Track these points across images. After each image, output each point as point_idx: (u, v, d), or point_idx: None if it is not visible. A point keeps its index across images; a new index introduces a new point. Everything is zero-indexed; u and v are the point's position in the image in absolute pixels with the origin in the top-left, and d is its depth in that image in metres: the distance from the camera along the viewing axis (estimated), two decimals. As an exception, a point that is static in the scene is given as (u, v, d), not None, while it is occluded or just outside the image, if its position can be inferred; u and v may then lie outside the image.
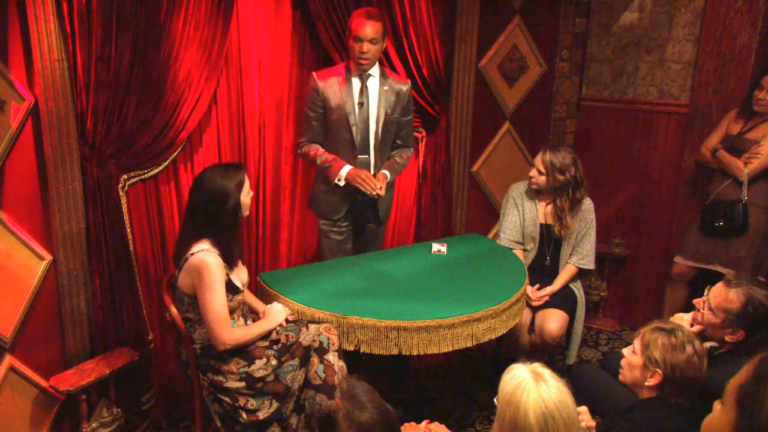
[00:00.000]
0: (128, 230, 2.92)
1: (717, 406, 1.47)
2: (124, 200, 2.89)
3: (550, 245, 3.43)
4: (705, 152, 3.62)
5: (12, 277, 2.64)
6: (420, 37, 3.48)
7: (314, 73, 3.11)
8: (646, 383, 2.01)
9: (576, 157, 3.33)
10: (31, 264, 2.71)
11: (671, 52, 3.92)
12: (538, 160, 3.35)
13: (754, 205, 3.42)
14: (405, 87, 3.21)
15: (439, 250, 3.25)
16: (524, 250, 3.47)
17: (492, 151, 4.13)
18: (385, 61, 3.44)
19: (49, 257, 2.76)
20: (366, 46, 2.98)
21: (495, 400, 1.65)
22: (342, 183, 3.07)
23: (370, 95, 3.11)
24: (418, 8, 3.43)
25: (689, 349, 1.95)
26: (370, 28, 2.96)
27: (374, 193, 3.02)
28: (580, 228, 3.39)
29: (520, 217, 3.45)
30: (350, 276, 2.95)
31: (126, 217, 2.90)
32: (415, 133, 3.72)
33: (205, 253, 2.41)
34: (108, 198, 2.79)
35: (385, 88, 3.14)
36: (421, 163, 3.78)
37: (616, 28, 4.06)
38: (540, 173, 3.32)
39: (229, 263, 2.49)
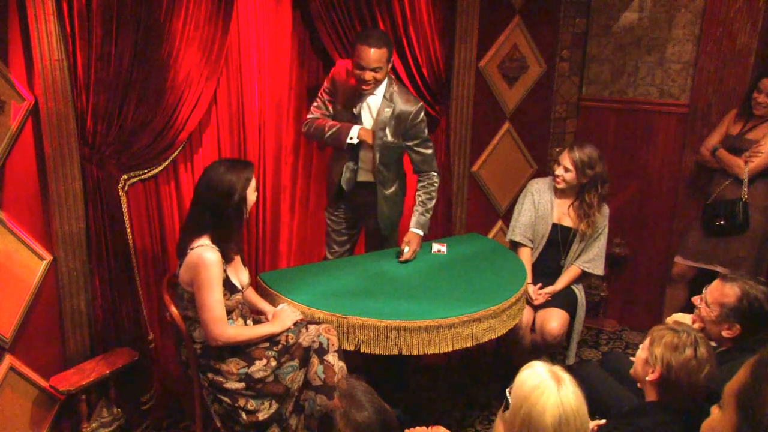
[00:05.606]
0: (128, 230, 2.92)
1: (715, 410, 1.47)
2: (124, 200, 2.90)
3: (564, 247, 3.44)
4: (705, 152, 3.62)
5: (12, 277, 2.64)
6: (420, 37, 3.47)
7: (338, 62, 3.09)
8: (647, 378, 2.01)
9: (601, 152, 3.32)
10: (31, 264, 2.71)
11: (671, 52, 3.92)
12: (564, 157, 3.32)
13: (754, 206, 3.42)
14: (412, 109, 3.03)
15: (439, 250, 3.25)
16: (533, 248, 3.48)
17: (492, 151, 4.12)
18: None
19: (49, 257, 2.76)
20: (368, 75, 2.88)
21: (507, 390, 1.67)
22: (355, 141, 3.02)
23: (364, 112, 3.07)
24: (418, 8, 3.42)
25: (689, 352, 1.94)
26: (374, 56, 2.84)
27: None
28: (592, 231, 3.40)
29: (535, 213, 3.45)
30: (350, 276, 2.95)
31: (126, 217, 2.91)
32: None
33: (203, 249, 2.39)
34: (108, 198, 2.80)
35: (387, 110, 3.01)
36: (421, 163, 3.77)
37: (616, 28, 4.06)
38: (567, 170, 3.29)
39: (227, 259, 2.48)
